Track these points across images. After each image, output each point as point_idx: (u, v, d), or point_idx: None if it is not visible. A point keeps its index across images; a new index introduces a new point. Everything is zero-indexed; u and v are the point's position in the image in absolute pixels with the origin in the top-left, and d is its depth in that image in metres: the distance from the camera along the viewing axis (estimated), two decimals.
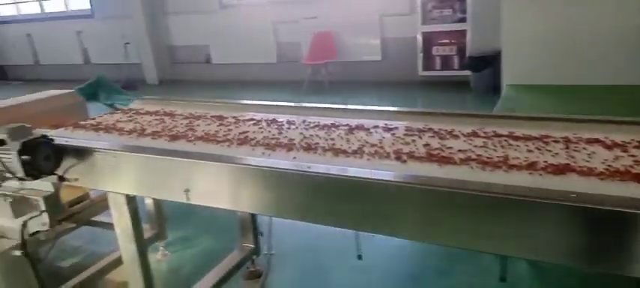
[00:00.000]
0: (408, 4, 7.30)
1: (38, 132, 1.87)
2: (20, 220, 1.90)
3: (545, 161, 1.28)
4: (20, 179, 1.73)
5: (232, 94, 7.93)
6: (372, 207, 1.20)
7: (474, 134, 1.59)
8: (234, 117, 2.12)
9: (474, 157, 1.34)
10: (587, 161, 1.26)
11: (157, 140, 1.85)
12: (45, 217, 1.89)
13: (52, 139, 1.76)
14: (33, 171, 1.69)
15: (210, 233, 3.27)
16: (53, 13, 10.67)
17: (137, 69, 9.42)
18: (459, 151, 1.41)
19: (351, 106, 2.08)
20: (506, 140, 1.50)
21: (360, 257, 1.97)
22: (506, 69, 3.78)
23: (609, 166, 1.21)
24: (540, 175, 1.20)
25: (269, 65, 8.60)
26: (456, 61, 7.09)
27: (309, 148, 1.56)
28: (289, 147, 1.59)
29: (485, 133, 1.60)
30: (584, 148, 1.37)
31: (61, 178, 1.79)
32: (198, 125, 2.02)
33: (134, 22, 9.20)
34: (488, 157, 1.33)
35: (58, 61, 10.63)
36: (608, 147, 1.37)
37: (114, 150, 1.69)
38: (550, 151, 1.38)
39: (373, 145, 1.53)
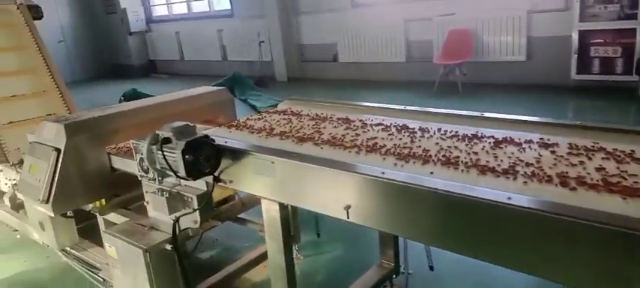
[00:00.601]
0: (563, 0, 6.56)
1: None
2: (173, 216, 2.00)
3: None
4: (181, 178, 1.78)
5: (357, 94, 7.92)
6: (532, 243, 1.01)
7: None
8: (361, 120, 2.04)
9: None
10: None
11: (285, 141, 1.84)
12: (196, 215, 1.99)
13: (213, 140, 1.78)
14: (194, 171, 1.72)
15: (340, 241, 3.18)
16: (199, 12, 11.79)
17: (268, 66, 9.95)
18: None
19: (497, 114, 1.85)
20: None
21: None
22: None
23: None
24: None
25: (397, 64, 8.43)
26: (619, 63, 6.17)
27: (448, 162, 1.41)
28: (425, 159, 1.45)
29: None
30: None
31: (217, 179, 1.81)
32: (324, 127, 1.98)
33: (268, 21, 9.73)
34: None
35: (200, 57, 11.70)
36: None
37: (273, 156, 1.64)
38: None
39: (528, 165, 1.32)
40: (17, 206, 3.38)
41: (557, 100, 6.32)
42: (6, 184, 3.39)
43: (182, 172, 1.72)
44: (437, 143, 1.62)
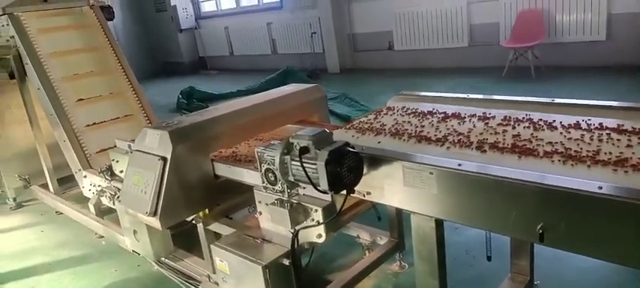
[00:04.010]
0: None
1: (338, 137, 1.80)
2: (293, 229, 1.91)
3: None
4: (322, 192, 1.66)
5: (418, 82, 7.78)
6: None
7: None
8: (473, 112, 1.95)
9: None
10: None
11: (440, 146, 1.69)
12: (321, 229, 1.89)
13: (353, 147, 1.66)
14: (337, 184, 1.60)
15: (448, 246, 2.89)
16: (247, 6, 11.95)
17: (319, 58, 9.96)
18: None
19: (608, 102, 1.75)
20: None
21: None
22: None
23: None
24: None
25: (459, 50, 8.22)
26: None
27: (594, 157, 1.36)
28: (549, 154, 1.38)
29: None
30: None
31: (350, 191, 1.68)
32: (452, 123, 1.88)
33: (319, 11, 9.74)
34: None
35: (249, 52, 11.89)
36: None
37: (431, 165, 1.49)
38: None
39: None
40: (102, 213, 3.48)
41: None
42: (90, 190, 3.45)
43: (324, 186, 1.60)
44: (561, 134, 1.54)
